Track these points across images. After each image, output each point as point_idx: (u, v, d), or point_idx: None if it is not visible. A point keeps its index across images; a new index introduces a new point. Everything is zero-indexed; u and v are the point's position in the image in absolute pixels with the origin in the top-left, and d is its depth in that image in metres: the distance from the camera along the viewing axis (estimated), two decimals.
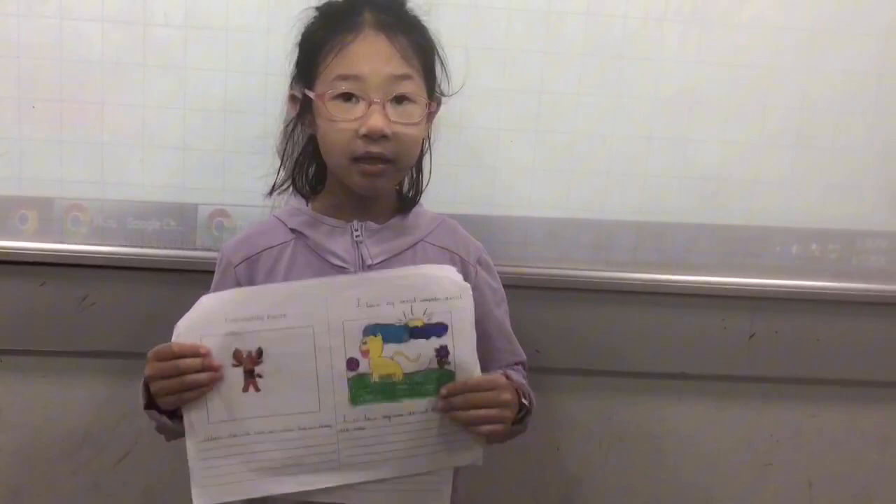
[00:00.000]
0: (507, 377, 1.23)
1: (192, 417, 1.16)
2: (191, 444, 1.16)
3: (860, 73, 1.62)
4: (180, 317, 1.51)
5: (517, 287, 1.58)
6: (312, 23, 1.26)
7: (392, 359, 1.16)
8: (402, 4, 1.26)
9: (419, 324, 1.16)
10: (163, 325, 1.55)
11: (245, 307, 1.15)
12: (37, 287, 1.56)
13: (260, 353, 1.15)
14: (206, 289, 1.33)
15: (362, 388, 1.15)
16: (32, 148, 1.51)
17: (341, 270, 1.24)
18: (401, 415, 1.17)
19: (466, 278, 1.29)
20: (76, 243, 1.55)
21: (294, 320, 1.14)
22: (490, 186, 1.60)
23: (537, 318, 1.64)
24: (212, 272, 1.34)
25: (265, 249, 1.27)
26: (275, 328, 1.14)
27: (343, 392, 1.15)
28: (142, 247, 1.56)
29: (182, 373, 1.13)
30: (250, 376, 1.15)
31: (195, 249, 1.56)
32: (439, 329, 1.16)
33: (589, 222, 1.62)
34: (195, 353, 1.14)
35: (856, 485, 1.82)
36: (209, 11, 1.49)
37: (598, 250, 1.64)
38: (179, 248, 1.56)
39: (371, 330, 1.15)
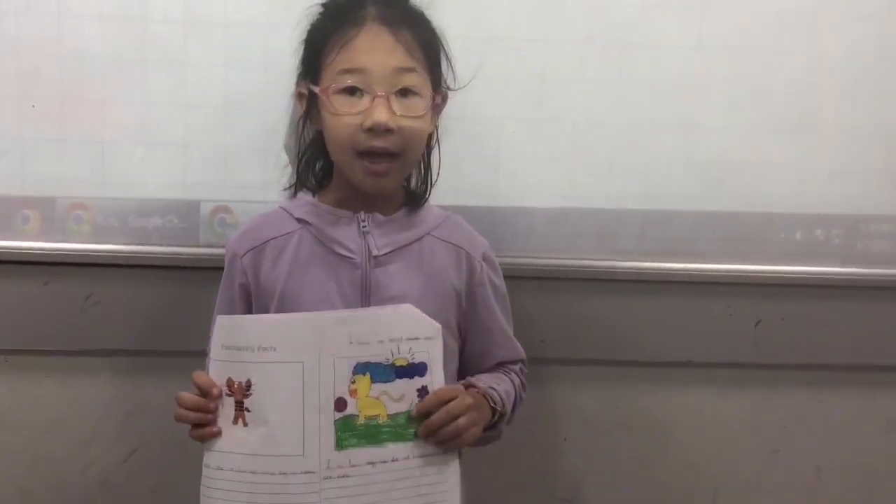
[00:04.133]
0: (471, 384, 1.25)
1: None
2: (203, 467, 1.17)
3: (862, 56, 1.62)
4: (184, 314, 1.53)
5: (522, 277, 1.58)
6: (317, 19, 1.27)
7: (378, 398, 1.13)
8: None
9: (404, 363, 1.14)
10: (167, 323, 1.57)
11: (236, 335, 1.13)
12: (40, 287, 1.55)
13: (248, 384, 1.12)
14: (210, 285, 1.34)
15: (348, 432, 1.12)
16: (33, 147, 1.51)
17: (348, 260, 1.24)
18: (384, 461, 1.13)
19: (472, 274, 1.31)
20: (79, 242, 1.54)
21: (284, 354, 1.11)
22: (493, 176, 1.59)
23: (542, 308, 1.64)
24: (215, 268, 1.35)
25: (271, 239, 1.27)
26: (264, 361, 1.11)
27: (329, 435, 1.11)
28: (144, 244, 1.55)
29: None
30: (239, 408, 1.12)
31: (198, 246, 1.55)
32: (421, 368, 1.15)
33: (593, 211, 1.62)
34: (208, 391, 1.14)
35: (864, 470, 1.82)
36: (208, 7, 1.48)
37: (603, 239, 1.63)
38: (182, 246, 1.55)
39: (360, 368, 1.12)
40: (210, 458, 1.14)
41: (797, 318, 1.70)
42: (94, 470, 1.66)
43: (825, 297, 1.69)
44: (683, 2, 1.56)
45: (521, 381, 1.36)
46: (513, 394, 1.31)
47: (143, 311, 1.58)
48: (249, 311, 1.28)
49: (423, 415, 1.15)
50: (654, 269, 1.64)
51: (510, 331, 1.37)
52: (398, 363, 1.14)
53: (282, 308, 1.24)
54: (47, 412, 1.63)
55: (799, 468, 1.82)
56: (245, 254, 1.27)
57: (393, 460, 1.13)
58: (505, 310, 1.37)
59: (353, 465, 1.12)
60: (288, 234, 1.27)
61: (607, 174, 1.61)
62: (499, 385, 1.28)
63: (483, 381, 1.27)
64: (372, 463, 1.13)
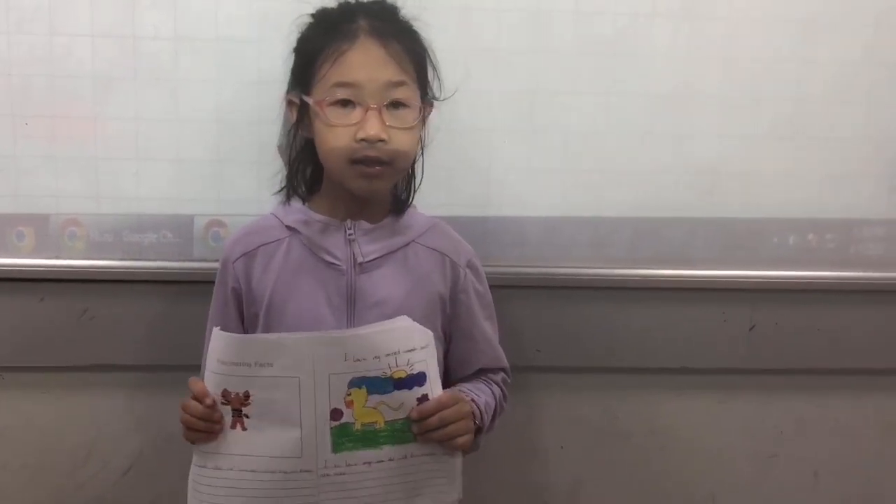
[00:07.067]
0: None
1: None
2: (192, 467, 1.20)
3: (853, 62, 1.62)
4: (180, 328, 1.53)
5: (516, 287, 1.59)
6: (308, 30, 1.28)
7: (375, 408, 1.16)
8: (396, 11, 1.28)
9: (403, 375, 1.16)
10: (163, 337, 1.58)
11: (232, 353, 1.15)
12: (36, 303, 1.56)
13: (247, 395, 1.15)
14: (205, 299, 1.35)
15: (344, 437, 1.15)
16: (26, 164, 1.51)
17: (334, 268, 1.26)
18: (381, 461, 1.17)
19: (456, 281, 1.33)
20: (74, 258, 1.55)
21: (281, 370, 1.14)
22: (485, 187, 1.60)
23: (537, 317, 1.64)
24: (210, 282, 1.35)
25: (261, 245, 1.30)
26: (261, 375, 1.14)
27: (326, 440, 1.15)
28: (139, 259, 1.56)
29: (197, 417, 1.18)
30: (238, 415, 1.16)
31: (192, 260, 1.56)
32: (420, 378, 1.17)
33: (585, 220, 1.62)
34: (201, 399, 1.17)
35: (862, 473, 1.82)
36: (199, 23, 1.49)
37: (596, 248, 1.63)
38: (177, 260, 1.56)
39: (356, 383, 1.15)
40: (206, 459, 1.18)
41: (791, 323, 1.70)
42: (92, 486, 1.66)
43: (819, 302, 1.70)
44: (673, 11, 1.56)
45: (503, 391, 1.37)
46: (493, 405, 1.32)
47: (139, 325, 1.58)
48: (242, 315, 1.31)
49: (422, 417, 1.17)
50: (647, 276, 1.64)
51: (495, 338, 1.38)
52: (397, 376, 1.16)
53: (270, 314, 1.27)
54: (44, 428, 1.63)
55: (796, 473, 1.82)
56: (237, 259, 1.30)
57: (389, 460, 1.17)
58: (490, 317, 1.38)
59: (349, 465, 1.16)
60: (278, 240, 1.30)
61: (599, 183, 1.61)
62: (479, 396, 1.29)
63: (465, 391, 1.28)
64: (368, 462, 1.17)
